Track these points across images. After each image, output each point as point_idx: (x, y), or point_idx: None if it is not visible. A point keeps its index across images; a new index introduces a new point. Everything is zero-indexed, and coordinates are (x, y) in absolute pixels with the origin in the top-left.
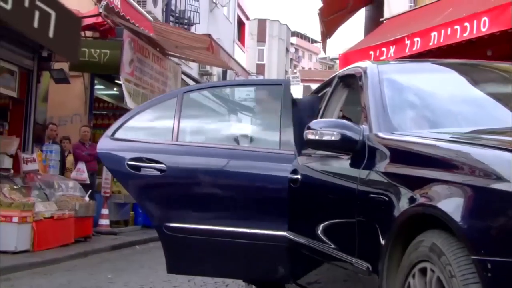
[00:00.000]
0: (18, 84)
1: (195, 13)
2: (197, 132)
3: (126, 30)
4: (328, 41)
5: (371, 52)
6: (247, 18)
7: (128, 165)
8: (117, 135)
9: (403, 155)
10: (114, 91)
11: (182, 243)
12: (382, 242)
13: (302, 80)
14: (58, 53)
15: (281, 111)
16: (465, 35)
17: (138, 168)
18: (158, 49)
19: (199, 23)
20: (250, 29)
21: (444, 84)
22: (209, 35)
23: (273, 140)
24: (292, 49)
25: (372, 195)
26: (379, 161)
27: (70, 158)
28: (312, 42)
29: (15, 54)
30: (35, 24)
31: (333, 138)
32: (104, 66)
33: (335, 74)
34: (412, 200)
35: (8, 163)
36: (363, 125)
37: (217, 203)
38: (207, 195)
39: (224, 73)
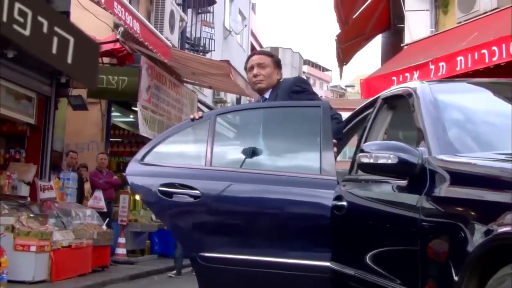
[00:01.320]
0: (35, 111)
1: (210, 40)
2: (231, 156)
3: (143, 56)
4: (335, 70)
5: (394, 78)
6: (260, 46)
7: (160, 191)
8: (146, 160)
9: (473, 179)
10: (131, 118)
11: (217, 274)
12: (455, 278)
13: None
14: (77, 79)
15: (321, 134)
16: (494, 59)
17: (170, 195)
18: (174, 76)
19: (214, 50)
20: None
21: (498, 103)
22: (227, 61)
23: (312, 165)
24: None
25: (438, 225)
26: (444, 186)
27: (87, 186)
28: (323, 70)
29: (33, 80)
30: (54, 50)
31: (389, 161)
32: (122, 92)
33: (378, 95)
34: (489, 230)
35: (25, 190)
36: (420, 148)
37: (255, 231)
38: (243, 223)
39: (238, 101)
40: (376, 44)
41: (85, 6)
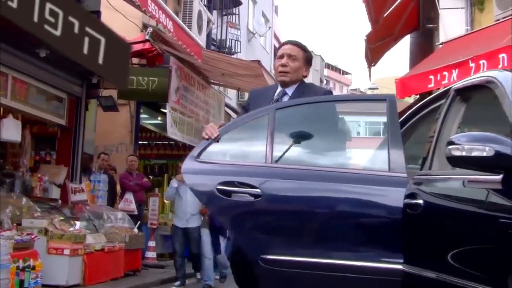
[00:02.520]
0: (66, 112)
1: (236, 42)
2: (293, 152)
3: (172, 57)
4: (355, 74)
5: (431, 77)
6: None
7: (218, 189)
8: (203, 157)
9: None
10: (158, 120)
11: (280, 278)
12: None
13: None
14: (108, 79)
15: (388, 128)
16: None
17: (229, 193)
18: (201, 77)
19: (240, 52)
20: None
21: None
22: (258, 61)
23: (380, 161)
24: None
25: None
26: None
27: (117, 189)
28: (342, 74)
29: (64, 81)
30: (85, 51)
31: (484, 154)
32: (152, 94)
33: (449, 87)
34: None
35: (56, 193)
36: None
37: (321, 232)
38: (308, 223)
39: None
40: (398, 46)
41: (114, 6)
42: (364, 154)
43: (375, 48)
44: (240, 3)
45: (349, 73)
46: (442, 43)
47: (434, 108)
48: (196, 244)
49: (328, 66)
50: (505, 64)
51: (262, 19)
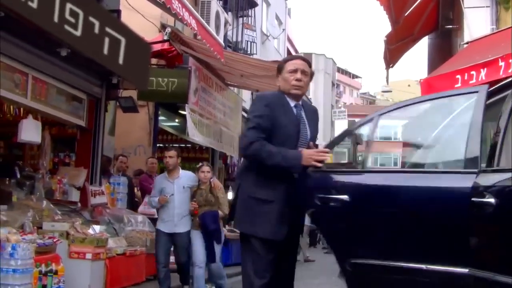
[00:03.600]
0: (86, 113)
1: (252, 43)
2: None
3: (191, 58)
4: (365, 77)
5: (458, 76)
6: (296, 51)
7: (317, 196)
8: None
9: None
10: (176, 122)
11: (367, 282)
12: None
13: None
14: (128, 79)
15: (472, 121)
16: None
17: (326, 200)
18: (218, 79)
19: (256, 54)
20: None
21: None
22: (278, 62)
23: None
24: None
25: None
26: None
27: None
28: (353, 77)
29: (84, 81)
30: (105, 51)
31: None
32: (171, 95)
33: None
34: None
35: (75, 195)
36: None
37: (407, 236)
38: (395, 227)
39: None
40: (412, 48)
41: (132, 6)
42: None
43: (395, 49)
44: (256, 4)
45: (360, 77)
46: (467, 43)
47: (496, 101)
48: (185, 252)
49: (338, 69)
50: None
51: (275, 21)
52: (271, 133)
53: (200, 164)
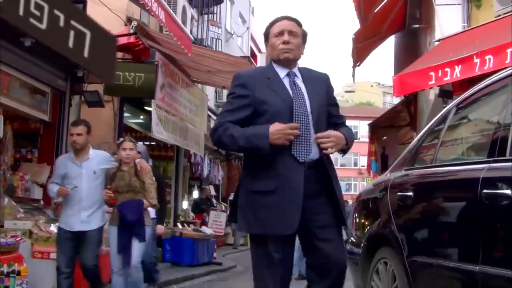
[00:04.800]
0: (50, 107)
1: (217, 40)
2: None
3: (158, 52)
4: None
5: (432, 73)
6: (259, 51)
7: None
8: None
9: None
10: (140, 119)
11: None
12: None
13: None
14: (94, 73)
15: None
16: None
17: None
18: (184, 75)
19: (221, 51)
20: (260, 63)
21: None
22: (248, 58)
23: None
24: None
25: None
26: None
27: None
28: None
29: (48, 73)
30: (70, 44)
31: None
32: (138, 90)
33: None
34: None
35: (38, 193)
36: None
37: (465, 235)
38: (452, 226)
39: None
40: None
41: None
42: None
43: (362, 47)
44: (221, 1)
45: None
46: (439, 40)
47: (492, 91)
48: (94, 255)
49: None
50: None
51: (239, 19)
52: (254, 114)
53: (121, 139)
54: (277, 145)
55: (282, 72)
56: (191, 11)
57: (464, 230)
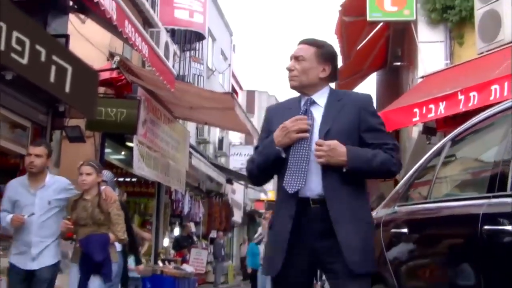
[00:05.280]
0: (30, 142)
1: (199, 76)
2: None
3: (140, 88)
4: None
5: (416, 110)
6: (240, 87)
7: None
8: None
9: None
10: (122, 155)
11: None
12: None
13: None
14: (75, 107)
15: None
16: None
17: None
18: (166, 111)
19: (203, 87)
20: (241, 99)
21: None
22: (231, 94)
23: None
24: None
25: None
26: None
27: None
28: None
29: (29, 108)
30: (52, 79)
31: None
32: (120, 125)
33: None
34: None
35: None
36: None
37: (464, 273)
38: (451, 263)
39: (220, 141)
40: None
41: (80, 33)
42: None
43: (344, 85)
44: (203, 38)
45: None
46: (422, 77)
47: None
48: None
49: None
50: (497, 96)
51: (221, 56)
52: None
53: (80, 162)
54: (284, 145)
55: (303, 100)
56: (173, 47)
57: (463, 267)
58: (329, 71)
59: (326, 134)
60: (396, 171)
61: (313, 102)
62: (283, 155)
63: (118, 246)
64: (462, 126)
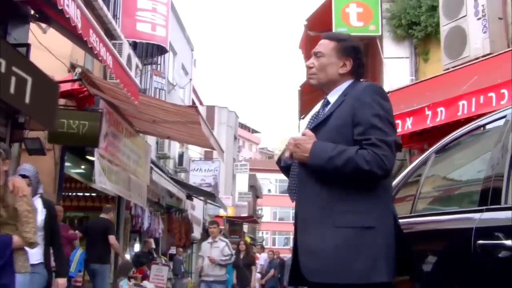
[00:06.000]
0: None
1: (161, 90)
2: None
3: (102, 100)
4: (263, 132)
5: None
6: (201, 103)
7: None
8: None
9: None
10: (82, 169)
11: None
12: None
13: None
14: (35, 118)
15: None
16: (502, 102)
17: None
18: (128, 124)
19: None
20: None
21: None
22: (195, 107)
23: None
24: None
25: None
26: None
27: None
28: (252, 132)
29: None
30: (12, 90)
31: None
32: (82, 138)
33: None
34: None
35: None
36: None
37: None
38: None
39: (181, 156)
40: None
41: (41, 44)
42: None
43: (308, 100)
44: (166, 51)
45: (259, 132)
46: (388, 92)
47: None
48: None
49: (239, 124)
50: (465, 112)
51: (181, 71)
52: None
53: None
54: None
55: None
56: (135, 60)
57: (454, 285)
58: (350, 66)
59: (316, 134)
60: (371, 170)
61: (327, 103)
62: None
63: (37, 254)
64: (446, 137)
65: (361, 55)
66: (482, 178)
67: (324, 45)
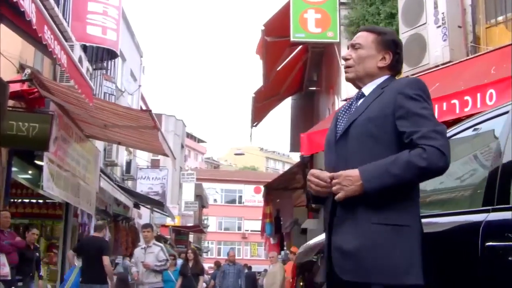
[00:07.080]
0: None
1: (110, 95)
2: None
3: (52, 102)
4: (209, 142)
5: None
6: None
7: None
8: None
9: None
10: (29, 174)
11: None
12: None
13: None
14: None
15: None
16: (466, 109)
17: None
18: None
19: None
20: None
21: None
22: (149, 111)
23: None
24: None
25: None
26: None
27: None
28: (198, 142)
29: None
30: None
31: None
32: (32, 141)
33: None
34: None
35: None
36: None
37: None
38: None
39: (128, 164)
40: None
41: None
42: None
43: (261, 107)
44: (116, 56)
45: (205, 141)
46: (346, 99)
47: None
48: None
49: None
50: None
51: (130, 77)
52: None
53: None
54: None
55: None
56: (86, 64)
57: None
58: (390, 60)
59: (349, 127)
60: (431, 165)
61: (361, 96)
62: None
63: None
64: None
65: (401, 51)
66: (483, 178)
67: (364, 37)
